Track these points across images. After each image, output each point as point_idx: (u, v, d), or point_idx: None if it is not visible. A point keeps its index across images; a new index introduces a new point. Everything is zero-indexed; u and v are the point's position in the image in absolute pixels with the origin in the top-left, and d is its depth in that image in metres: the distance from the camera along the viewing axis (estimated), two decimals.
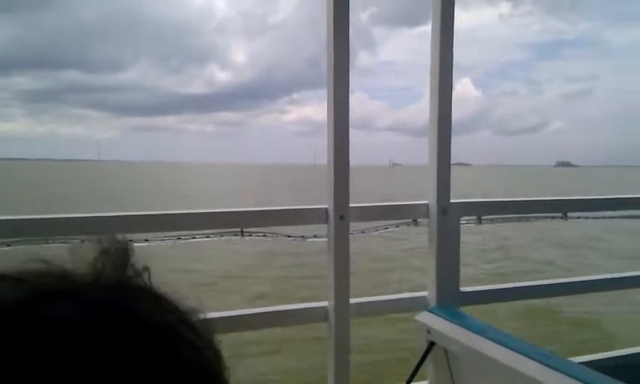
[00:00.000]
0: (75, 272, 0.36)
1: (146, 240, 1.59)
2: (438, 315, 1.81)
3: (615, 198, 2.37)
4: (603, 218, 2.42)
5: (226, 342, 0.42)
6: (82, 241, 0.40)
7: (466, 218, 2.04)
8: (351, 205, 1.80)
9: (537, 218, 2.28)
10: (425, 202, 1.96)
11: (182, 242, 1.75)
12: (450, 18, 1.87)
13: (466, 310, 1.95)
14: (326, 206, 1.80)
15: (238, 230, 1.73)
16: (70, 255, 0.37)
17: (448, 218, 1.94)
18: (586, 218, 2.33)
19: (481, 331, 1.64)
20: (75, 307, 0.33)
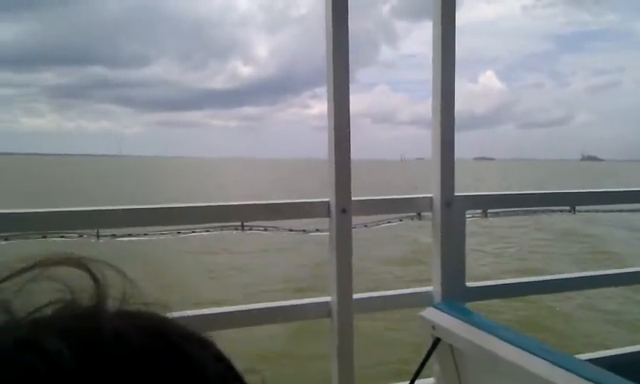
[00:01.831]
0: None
1: (145, 234, 1.58)
2: (444, 311, 1.77)
3: (625, 191, 2.31)
4: (611, 211, 2.37)
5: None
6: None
7: (472, 211, 2.00)
8: (354, 198, 1.77)
9: (544, 211, 2.23)
10: (429, 195, 1.93)
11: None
12: (451, 11, 1.84)
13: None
14: (327, 200, 1.78)
15: (239, 223, 1.71)
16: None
17: (452, 211, 1.90)
18: (596, 211, 2.28)
19: (487, 327, 1.61)
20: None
